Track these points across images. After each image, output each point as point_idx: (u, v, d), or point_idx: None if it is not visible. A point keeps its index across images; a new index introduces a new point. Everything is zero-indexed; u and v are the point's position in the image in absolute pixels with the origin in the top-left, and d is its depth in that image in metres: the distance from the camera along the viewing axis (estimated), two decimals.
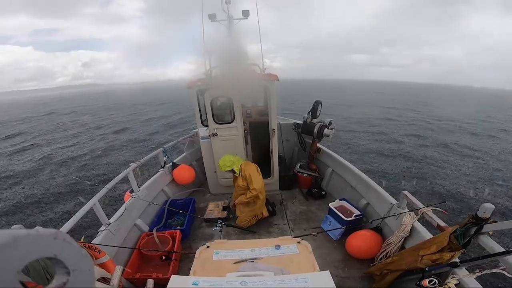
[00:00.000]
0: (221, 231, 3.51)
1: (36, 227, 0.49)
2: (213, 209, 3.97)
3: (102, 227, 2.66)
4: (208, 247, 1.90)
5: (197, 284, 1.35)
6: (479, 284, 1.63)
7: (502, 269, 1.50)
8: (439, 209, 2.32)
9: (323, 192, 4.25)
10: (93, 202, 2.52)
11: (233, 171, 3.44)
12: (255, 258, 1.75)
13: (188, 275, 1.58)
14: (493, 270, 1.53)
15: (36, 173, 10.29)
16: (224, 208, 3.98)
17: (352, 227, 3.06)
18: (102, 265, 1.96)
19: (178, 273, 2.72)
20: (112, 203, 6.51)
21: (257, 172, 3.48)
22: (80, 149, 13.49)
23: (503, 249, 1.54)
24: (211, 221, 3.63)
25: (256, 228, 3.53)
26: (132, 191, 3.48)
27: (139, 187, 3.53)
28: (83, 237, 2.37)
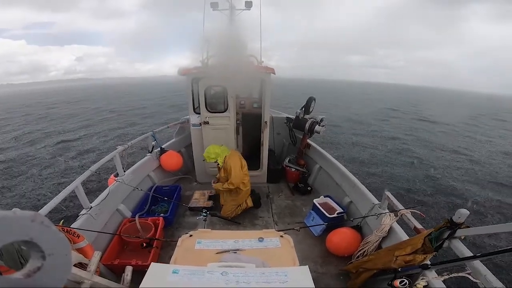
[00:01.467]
0: (205, 220, 3.52)
1: (13, 209, 0.47)
2: (199, 198, 3.96)
3: (83, 211, 2.60)
4: (191, 235, 1.90)
5: (177, 273, 1.35)
6: (445, 287, 1.72)
7: (467, 273, 1.58)
8: (417, 212, 2.41)
9: (309, 188, 4.32)
10: (76, 185, 2.44)
11: (217, 163, 3.48)
12: (238, 249, 1.77)
13: (169, 263, 1.58)
14: (460, 274, 1.61)
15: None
16: (210, 198, 3.98)
17: (333, 224, 3.14)
18: (80, 250, 1.92)
19: (158, 261, 2.71)
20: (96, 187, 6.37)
21: (240, 166, 3.51)
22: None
23: (471, 254, 1.63)
24: (196, 210, 3.62)
25: (241, 219, 3.57)
26: (117, 175, 3.40)
27: (124, 171, 3.45)
28: (62, 220, 2.30)
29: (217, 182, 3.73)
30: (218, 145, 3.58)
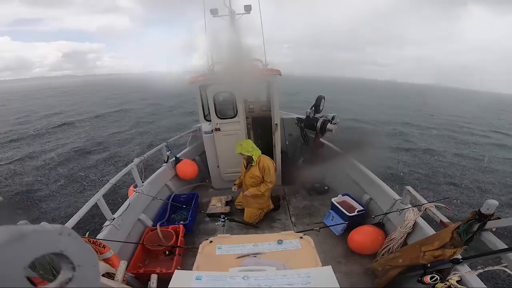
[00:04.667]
0: (224, 225, 3.54)
1: (41, 223, 0.49)
2: (216, 204, 4.00)
3: (107, 222, 2.70)
4: (211, 242, 1.92)
5: (201, 279, 1.37)
6: (480, 281, 1.62)
7: (504, 266, 1.49)
8: (442, 205, 2.31)
9: (326, 187, 4.25)
10: (97, 197, 2.54)
11: (250, 159, 3.37)
12: (258, 253, 1.76)
13: (192, 269, 1.60)
14: (495, 267, 1.52)
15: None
16: (227, 203, 4.01)
17: (354, 222, 3.06)
18: (106, 260, 1.99)
19: (181, 268, 2.76)
20: (116, 199, 6.59)
21: (274, 166, 3.50)
22: None
23: (505, 246, 1.53)
24: (214, 216, 3.66)
25: (258, 223, 3.56)
26: (135, 186, 3.51)
27: (142, 182, 3.56)
28: (88, 232, 2.40)
29: (236, 188, 3.69)
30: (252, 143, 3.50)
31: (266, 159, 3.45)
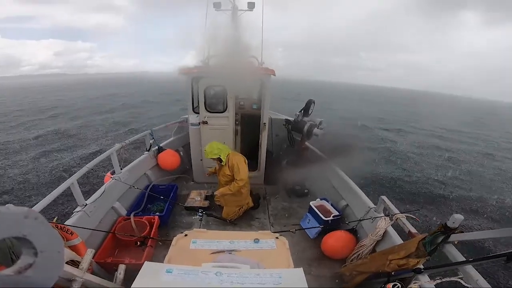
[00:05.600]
0: (201, 220, 3.51)
1: (7, 205, 0.46)
2: (195, 198, 3.95)
3: (78, 208, 2.58)
4: (186, 235, 1.89)
5: (171, 272, 1.34)
6: None
7: (459, 278, 1.59)
8: (412, 216, 2.42)
9: (306, 190, 4.33)
10: (71, 181, 2.42)
11: (219, 159, 3.36)
12: (233, 250, 1.77)
13: (163, 262, 1.57)
14: (452, 278, 1.62)
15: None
16: (207, 197, 3.97)
17: (329, 226, 3.14)
18: (73, 248, 1.90)
19: (152, 260, 2.70)
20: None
21: (244, 163, 3.43)
22: None
23: (463, 259, 1.64)
24: (192, 210, 3.61)
25: (236, 220, 3.56)
26: (113, 173, 3.38)
27: (121, 169, 3.43)
28: (56, 217, 2.28)
29: (211, 174, 3.69)
30: (220, 142, 3.46)
31: (235, 156, 3.39)
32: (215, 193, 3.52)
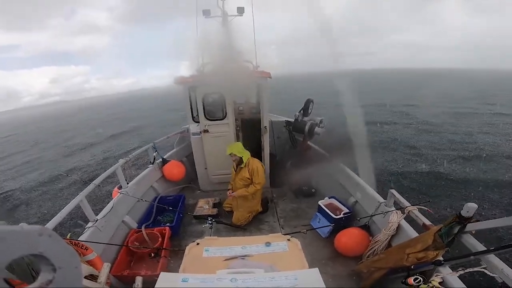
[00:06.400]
0: (211, 228, 3.50)
1: (20, 224, 0.47)
2: (203, 206, 3.95)
3: (89, 224, 2.60)
4: (198, 244, 1.89)
5: (187, 281, 1.34)
6: (461, 282, 1.68)
7: (483, 268, 1.55)
8: (424, 208, 2.38)
9: (313, 190, 4.30)
10: (80, 198, 2.45)
11: (239, 161, 3.40)
12: (246, 255, 1.75)
13: (178, 272, 1.56)
14: (475, 269, 1.58)
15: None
16: (214, 205, 3.97)
17: (341, 224, 3.11)
18: (89, 262, 1.92)
19: (167, 270, 2.69)
20: (100, 200, 6.37)
21: (263, 168, 3.51)
22: None
23: (484, 248, 1.60)
24: (201, 218, 3.62)
25: (246, 225, 3.54)
26: (120, 187, 3.41)
27: (127, 183, 3.46)
28: (70, 234, 2.30)
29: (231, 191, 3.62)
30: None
31: (255, 162, 3.47)
32: (232, 194, 3.53)
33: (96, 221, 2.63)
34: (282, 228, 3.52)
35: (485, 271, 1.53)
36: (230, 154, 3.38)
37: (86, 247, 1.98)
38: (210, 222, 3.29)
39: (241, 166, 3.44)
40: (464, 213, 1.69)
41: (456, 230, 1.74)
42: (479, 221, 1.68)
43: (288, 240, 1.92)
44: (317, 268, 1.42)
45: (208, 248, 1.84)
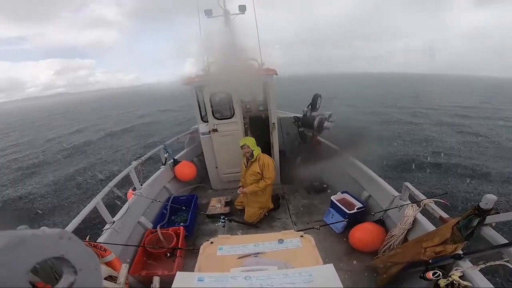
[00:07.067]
0: (224, 226, 3.53)
1: (41, 227, 0.49)
2: (215, 205, 3.99)
3: (107, 226, 2.68)
4: (212, 242, 1.92)
5: (203, 280, 1.36)
6: (483, 276, 1.62)
7: (505, 261, 1.49)
8: (441, 200, 2.31)
9: (324, 185, 4.26)
10: (97, 201, 2.53)
11: (251, 154, 3.44)
12: (259, 253, 1.76)
13: (193, 271, 1.59)
14: (497, 262, 1.52)
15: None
16: (227, 204, 4.00)
17: (354, 219, 3.07)
18: (108, 264, 1.98)
19: (183, 270, 2.75)
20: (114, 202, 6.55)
21: (273, 164, 3.54)
22: None
23: (506, 241, 1.54)
24: (214, 217, 3.66)
25: (258, 223, 3.56)
26: (134, 189, 3.49)
27: (141, 185, 3.54)
28: (88, 236, 2.38)
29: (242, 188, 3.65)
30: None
31: (266, 157, 3.50)
32: (243, 190, 3.55)
33: (113, 223, 2.72)
34: (295, 225, 3.51)
35: (508, 264, 1.47)
36: (243, 146, 3.41)
37: (104, 248, 2.05)
38: (223, 220, 3.33)
39: (252, 160, 3.47)
40: (483, 205, 1.63)
41: (475, 222, 1.68)
42: (498, 213, 1.62)
43: (302, 236, 1.92)
44: (331, 264, 1.41)
45: (222, 247, 1.86)
